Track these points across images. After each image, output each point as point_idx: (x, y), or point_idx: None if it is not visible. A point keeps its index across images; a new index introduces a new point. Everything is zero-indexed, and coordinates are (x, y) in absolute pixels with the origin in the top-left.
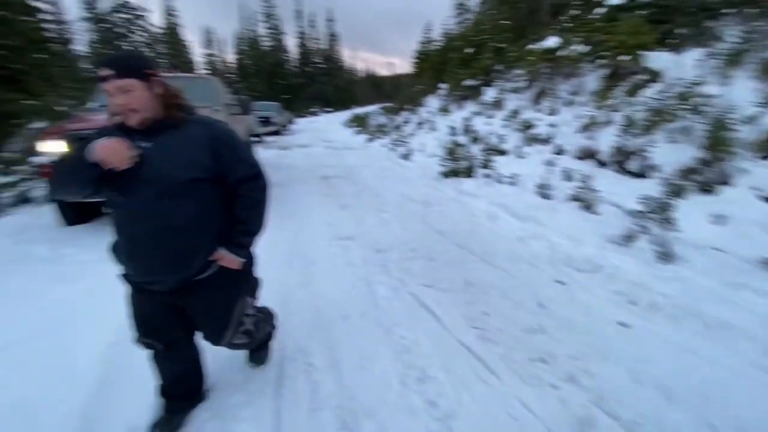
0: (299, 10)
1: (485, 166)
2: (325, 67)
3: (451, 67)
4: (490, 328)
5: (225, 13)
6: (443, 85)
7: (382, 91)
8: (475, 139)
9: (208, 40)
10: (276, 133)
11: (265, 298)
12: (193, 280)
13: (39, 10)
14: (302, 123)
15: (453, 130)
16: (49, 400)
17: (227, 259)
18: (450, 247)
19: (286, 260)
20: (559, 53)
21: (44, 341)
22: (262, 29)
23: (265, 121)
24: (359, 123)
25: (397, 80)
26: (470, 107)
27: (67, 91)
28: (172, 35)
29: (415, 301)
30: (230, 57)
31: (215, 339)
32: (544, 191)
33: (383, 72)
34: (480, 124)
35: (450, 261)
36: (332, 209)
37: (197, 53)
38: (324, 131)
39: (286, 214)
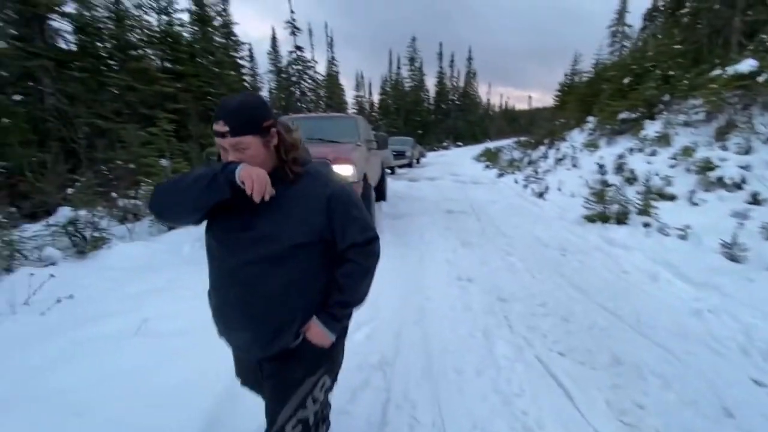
0: (440, 52)
1: (644, 213)
2: (460, 102)
3: (602, 98)
4: (645, 428)
5: (376, 58)
6: (591, 119)
7: (517, 126)
8: (631, 180)
9: (358, 84)
10: (408, 165)
11: (377, 327)
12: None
13: (242, 66)
14: (432, 156)
15: (602, 168)
16: (195, 389)
17: (318, 333)
18: (591, 308)
19: (402, 292)
20: (758, 79)
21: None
22: (405, 71)
23: (399, 155)
24: (490, 157)
25: (533, 114)
26: (625, 143)
27: None
28: (331, 81)
29: (542, 369)
30: (375, 97)
31: (270, 415)
32: (732, 251)
33: (519, 106)
34: (638, 163)
35: (591, 326)
36: (454, 245)
37: (349, 95)
38: (453, 165)
39: (407, 244)
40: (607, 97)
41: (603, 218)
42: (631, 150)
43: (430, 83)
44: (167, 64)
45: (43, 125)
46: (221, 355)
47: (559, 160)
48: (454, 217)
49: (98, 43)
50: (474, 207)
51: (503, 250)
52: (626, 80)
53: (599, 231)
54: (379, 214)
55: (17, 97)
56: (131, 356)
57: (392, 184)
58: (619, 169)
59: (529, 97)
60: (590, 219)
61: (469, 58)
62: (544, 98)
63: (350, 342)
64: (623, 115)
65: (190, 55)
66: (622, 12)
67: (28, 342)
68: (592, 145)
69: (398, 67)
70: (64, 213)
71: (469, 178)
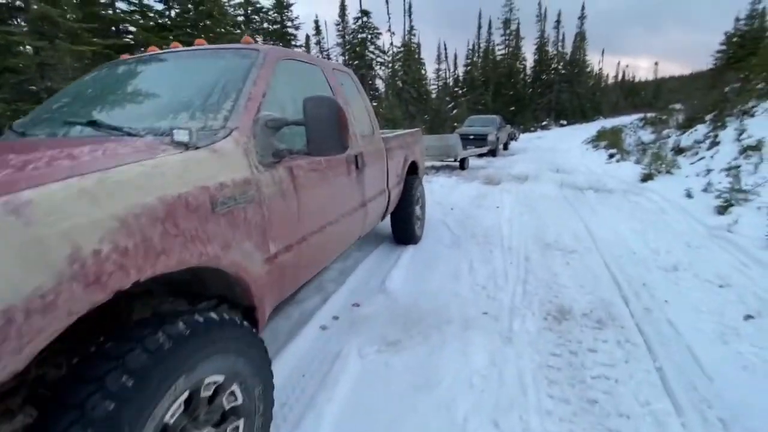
0: (542, 13)
1: None
2: (566, 72)
3: None
4: None
5: (463, 26)
6: None
7: (638, 99)
8: None
9: (439, 56)
10: (491, 153)
11: None
12: None
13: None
14: (527, 139)
15: None
16: None
17: None
18: None
19: None
20: None
21: None
22: (497, 36)
23: (478, 139)
24: (612, 141)
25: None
26: None
27: None
28: (408, 53)
29: None
30: (461, 70)
31: None
32: None
33: (639, 76)
34: None
35: None
36: None
37: (430, 69)
38: (556, 152)
39: None
40: None
41: None
42: None
43: (529, 50)
44: None
45: None
46: None
47: (745, 150)
48: (579, 331)
49: None
50: (619, 279)
51: None
52: None
53: None
54: (372, 300)
55: None
56: None
57: (452, 192)
58: None
59: (656, 64)
60: None
61: (581, 17)
62: (665, 67)
63: None
64: None
65: None
66: None
67: None
68: None
69: (489, 32)
70: None
71: (584, 178)
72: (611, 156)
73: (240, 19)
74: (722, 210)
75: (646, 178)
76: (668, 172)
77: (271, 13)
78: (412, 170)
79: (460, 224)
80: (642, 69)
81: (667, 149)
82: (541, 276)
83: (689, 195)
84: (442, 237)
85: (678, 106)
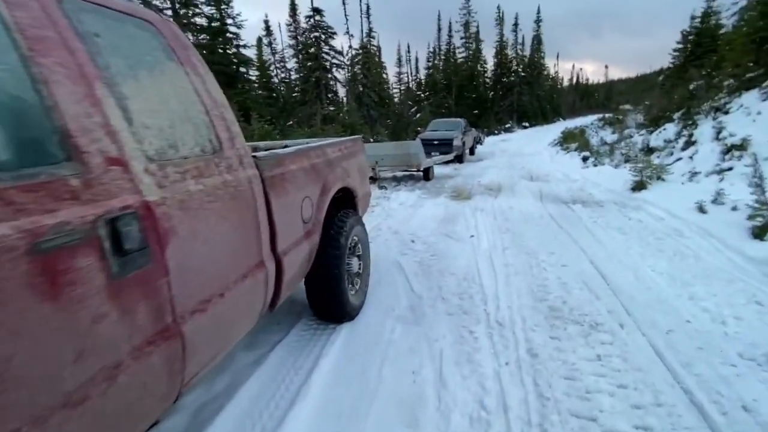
0: (500, 15)
1: None
2: (526, 74)
3: None
4: None
5: (423, 28)
6: None
7: (592, 101)
8: None
9: (400, 59)
10: (458, 159)
11: None
12: None
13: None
14: (492, 142)
15: None
16: None
17: None
18: None
19: None
20: None
21: None
22: (457, 39)
23: (443, 144)
24: (581, 143)
25: (610, 87)
26: None
27: None
28: (367, 56)
29: None
30: (423, 73)
31: None
32: None
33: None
34: None
35: None
36: None
37: (391, 73)
38: (525, 155)
39: None
40: None
41: None
42: None
43: (489, 53)
44: None
45: None
46: None
47: (729, 151)
48: None
49: None
50: (699, 398)
51: None
52: None
53: None
54: None
55: None
56: None
57: (413, 214)
58: None
59: (606, 67)
60: None
61: (537, 20)
62: (612, 71)
63: None
64: None
65: None
66: None
67: None
68: None
69: (449, 35)
70: None
71: (565, 187)
72: (585, 159)
73: (167, 13)
74: (760, 233)
75: (639, 186)
76: (659, 178)
77: (204, 7)
78: (345, 202)
79: (424, 270)
80: (589, 72)
81: (635, 149)
82: (564, 402)
83: (701, 209)
84: (396, 298)
85: (628, 106)
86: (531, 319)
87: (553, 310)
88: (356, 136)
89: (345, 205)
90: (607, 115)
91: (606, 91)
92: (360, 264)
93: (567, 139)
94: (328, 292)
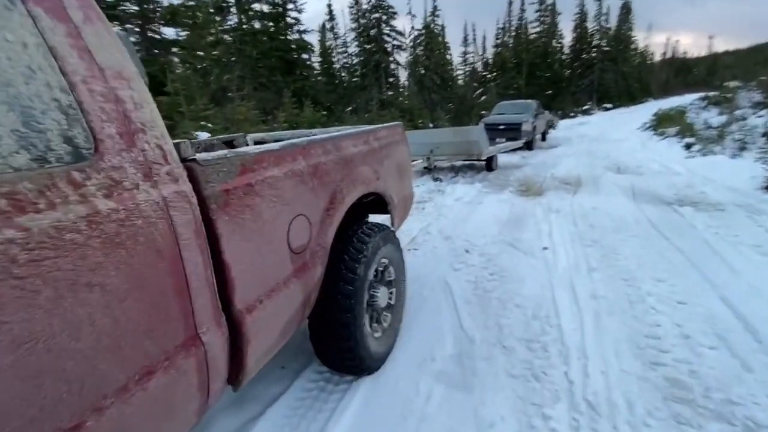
0: None
1: None
2: (609, 50)
3: None
4: None
5: (490, 4)
6: None
7: (690, 78)
8: None
9: (466, 38)
10: (527, 146)
11: None
12: None
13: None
14: (567, 126)
15: None
16: None
17: None
18: None
19: None
20: None
21: None
22: (530, 13)
23: (510, 129)
24: (683, 127)
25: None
26: None
27: None
28: (430, 36)
29: None
30: (490, 52)
31: None
32: None
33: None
34: None
35: None
36: None
37: (456, 53)
38: (606, 142)
39: None
40: None
41: None
42: None
43: (566, 27)
44: None
45: None
46: None
47: None
48: None
49: None
50: None
51: None
52: None
53: None
54: None
55: None
56: None
57: (471, 212)
58: None
59: (710, 38)
60: None
61: None
62: (716, 42)
63: None
64: None
65: None
66: None
67: None
68: None
69: (522, 8)
70: None
71: (664, 182)
72: (688, 147)
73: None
74: None
75: None
76: None
77: None
78: (371, 209)
79: (479, 296)
80: (686, 45)
81: (754, 134)
82: None
83: None
84: (438, 338)
85: (735, 82)
86: (641, 401)
87: (675, 386)
88: (394, 123)
89: (372, 212)
90: (711, 94)
91: (709, 65)
92: (391, 293)
93: (662, 122)
94: (338, 340)
